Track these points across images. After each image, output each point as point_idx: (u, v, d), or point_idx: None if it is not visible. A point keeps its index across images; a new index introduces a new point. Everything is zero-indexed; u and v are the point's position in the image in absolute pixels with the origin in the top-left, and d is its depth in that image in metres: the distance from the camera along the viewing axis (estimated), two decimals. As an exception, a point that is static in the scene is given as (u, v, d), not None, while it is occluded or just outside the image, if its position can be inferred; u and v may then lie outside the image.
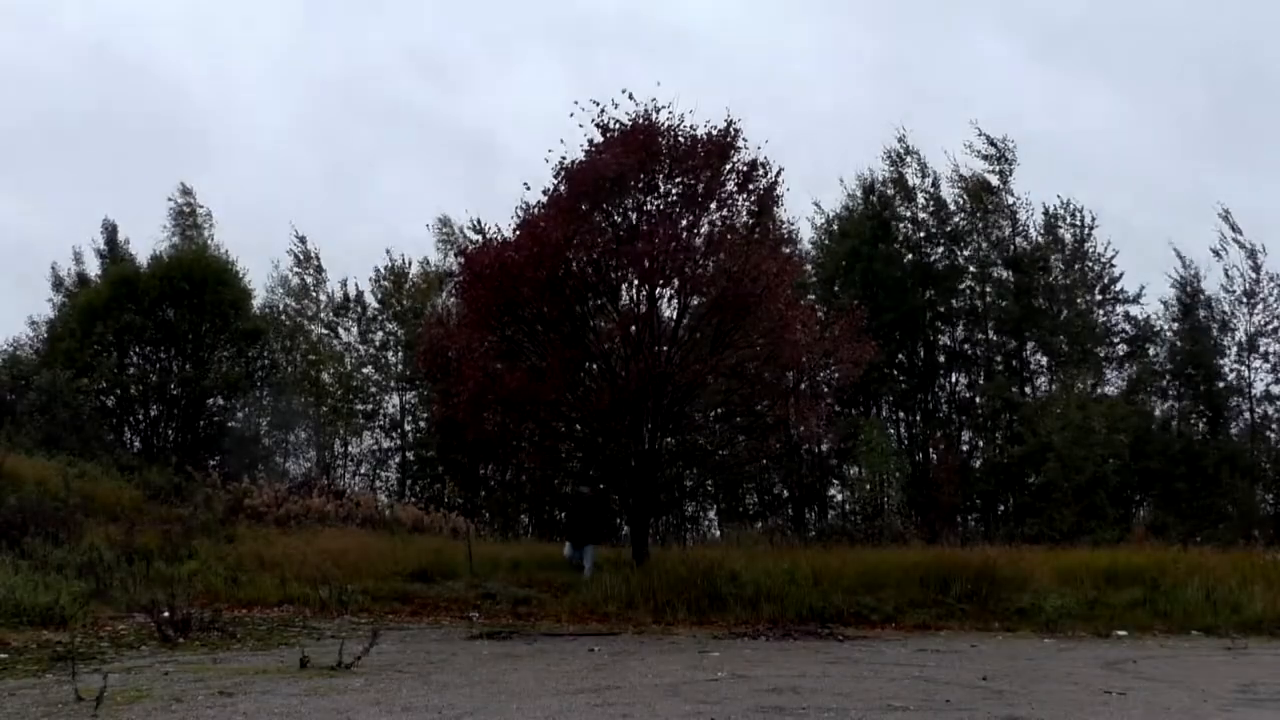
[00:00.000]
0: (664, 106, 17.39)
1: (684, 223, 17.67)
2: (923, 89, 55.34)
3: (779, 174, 17.93)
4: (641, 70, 65.51)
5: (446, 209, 53.40)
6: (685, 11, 67.81)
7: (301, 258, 33.23)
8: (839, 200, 32.60)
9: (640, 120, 17.27)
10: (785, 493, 29.87)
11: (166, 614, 11.49)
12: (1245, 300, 29.03)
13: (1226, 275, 29.35)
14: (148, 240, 48.68)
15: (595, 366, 18.22)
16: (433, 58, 67.23)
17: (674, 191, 17.73)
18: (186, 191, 33.35)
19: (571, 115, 17.62)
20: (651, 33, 67.94)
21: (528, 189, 18.12)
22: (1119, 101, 56.35)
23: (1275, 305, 28.81)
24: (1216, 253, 29.47)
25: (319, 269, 33.29)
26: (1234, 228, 29.29)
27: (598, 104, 17.50)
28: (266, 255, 45.72)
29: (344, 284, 33.09)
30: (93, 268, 32.91)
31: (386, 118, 63.22)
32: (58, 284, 32.96)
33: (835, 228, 31.88)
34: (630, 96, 17.45)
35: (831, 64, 64.80)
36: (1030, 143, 55.17)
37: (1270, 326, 28.74)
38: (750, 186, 17.84)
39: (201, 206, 33.47)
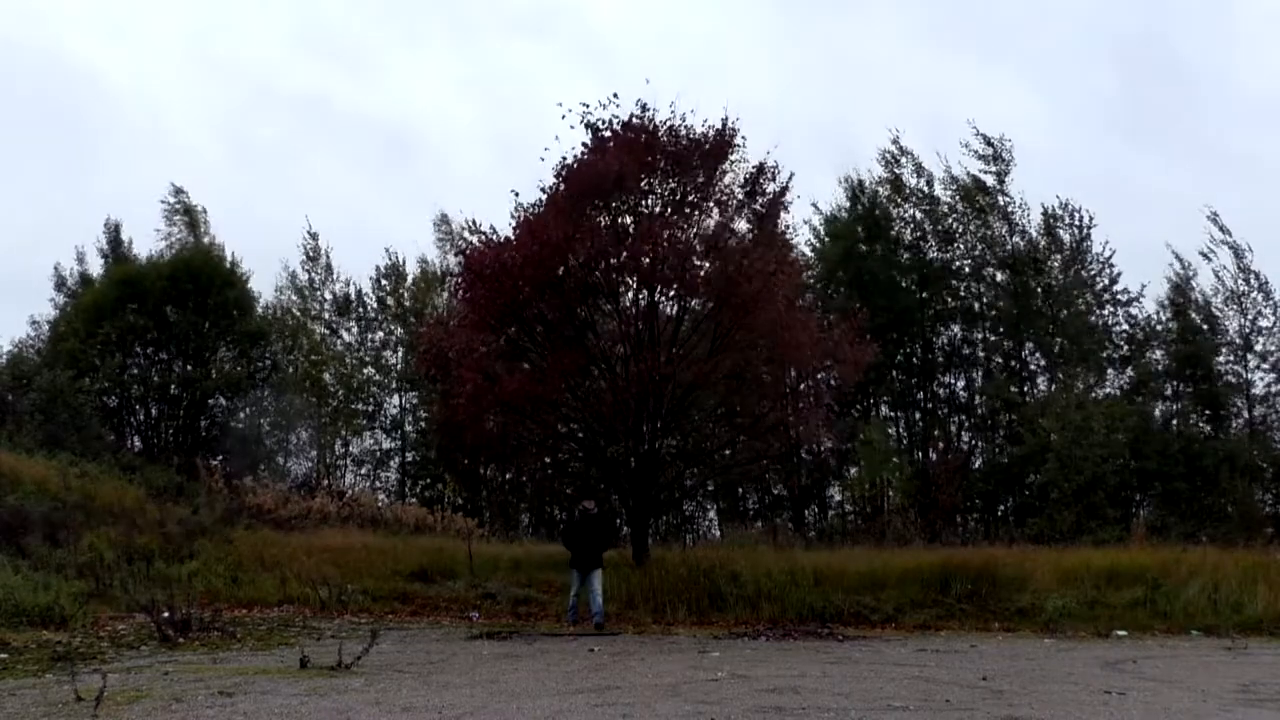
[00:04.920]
0: (671, 105, 17.47)
1: (683, 224, 17.67)
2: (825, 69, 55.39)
3: (790, 179, 17.99)
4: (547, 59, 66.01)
5: (360, 198, 53.18)
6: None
7: (311, 254, 33.22)
8: (832, 201, 32.66)
9: (638, 120, 17.27)
10: (785, 493, 29.86)
11: (166, 614, 11.51)
12: (1236, 301, 29.00)
13: (1217, 276, 29.39)
14: (146, 239, 48.31)
15: (597, 368, 18.21)
16: (333, 43, 67.31)
17: (672, 192, 17.73)
18: (179, 191, 33.29)
19: (564, 117, 17.65)
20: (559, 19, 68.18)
21: (516, 195, 18.18)
22: (1027, 86, 56.55)
23: (1264, 305, 28.81)
24: (1205, 255, 29.49)
25: (327, 268, 33.30)
26: (1223, 229, 29.26)
27: (595, 104, 17.53)
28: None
29: (348, 283, 33.12)
30: (95, 267, 32.88)
31: (294, 105, 63.09)
32: (60, 283, 32.95)
33: (829, 228, 31.85)
34: (633, 103, 17.50)
35: (729, 51, 65.17)
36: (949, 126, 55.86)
37: (1260, 325, 28.75)
38: (757, 191, 17.84)
39: (196, 205, 33.43)
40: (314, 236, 33.27)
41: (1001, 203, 30.56)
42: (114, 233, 33.21)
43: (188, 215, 32.97)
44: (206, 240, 32.23)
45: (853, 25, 62.77)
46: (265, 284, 33.00)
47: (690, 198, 17.72)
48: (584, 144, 17.55)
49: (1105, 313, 30.39)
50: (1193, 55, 56.83)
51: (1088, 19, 58.50)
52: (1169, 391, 30.13)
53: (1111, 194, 48.19)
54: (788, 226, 19.73)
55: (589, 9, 68.27)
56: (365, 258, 54.23)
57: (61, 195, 53.54)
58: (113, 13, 65.31)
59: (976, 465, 29.61)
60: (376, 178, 59.39)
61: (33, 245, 47.83)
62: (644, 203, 17.70)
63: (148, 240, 42.79)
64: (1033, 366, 30.80)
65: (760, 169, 17.73)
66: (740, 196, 17.88)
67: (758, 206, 17.99)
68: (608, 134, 17.38)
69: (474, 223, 29.27)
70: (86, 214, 55.48)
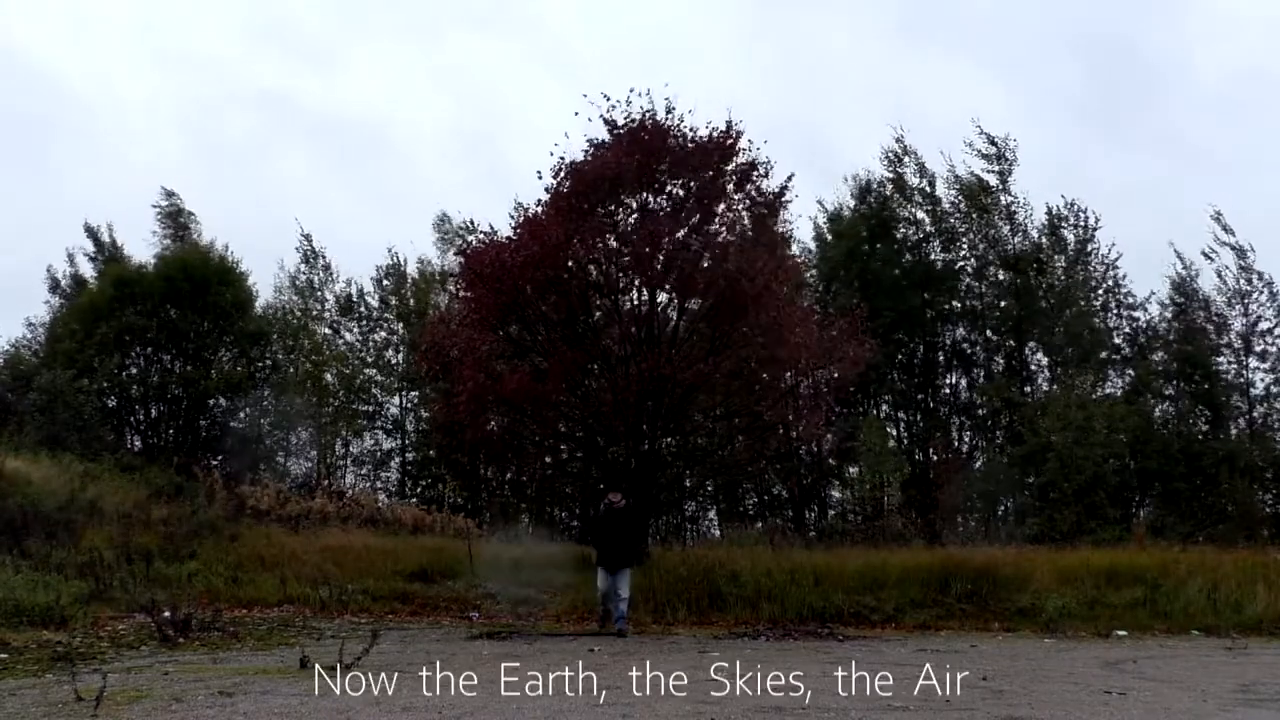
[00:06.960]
0: (672, 109, 17.45)
1: (687, 224, 17.66)
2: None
3: (790, 179, 17.97)
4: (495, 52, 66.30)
5: (326, 194, 53.37)
6: None
7: (309, 255, 33.20)
8: (834, 201, 32.64)
9: (645, 120, 17.26)
10: (785, 493, 29.85)
11: (166, 614, 11.51)
12: (1239, 300, 28.96)
13: (1219, 276, 29.36)
14: (132, 239, 48.20)
15: (597, 367, 18.20)
16: (286, 38, 67.78)
17: (676, 192, 17.73)
18: (170, 194, 33.26)
19: (576, 114, 17.70)
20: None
21: (539, 189, 18.14)
22: (987, 78, 56.79)
23: (1267, 305, 28.76)
24: (1208, 255, 29.47)
25: (326, 268, 33.28)
26: (1226, 229, 29.22)
27: (607, 99, 17.51)
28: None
29: (349, 283, 33.13)
30: (86, 269, 32.83)
31: (256, 102, 63.12)
32: (54, 286, 32.91)
33: (831, 228, 31.84)
34: (624, 101, 17.49)
35: (698, 45, 65.89)
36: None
37: (1262, 326, 28.71)
38: (748, 186, 17.80)
39: (187, 209, 33.42)
40: (308, 238, 33.32)
41: (1004, 202, 30.56)
42: (94, 236, 33.16)
43: (180, 218, 33.01)
44: (199, 237, 32.25)
45: (816, 20, 63.10)
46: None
47: (693, 199, 17.71)
48: (590, 141, 17.57)
49: (1109, 313, 30.39)
50: (1152, 50, 57.30)
51: (1052, 14, 58.76)
52: (1169, 391, 30.11)
53: (1077, 187, 48.42)
54: (788, 225, 19.76)
55: (547, 4, 68.57)
56: (336, 254, 54.47)
57: (31, 197, 53.74)
58: (68, 8, 65.44)
59: (977, 465, 29.60)
60: (339, 174, 59.83)
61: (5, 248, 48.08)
62: (647, 203, 17.70)
63: (140, 244, 42.85)
64: (1033, 366, 30.80)
65: (751, 165, 17.69)
66: (733, 193, 17.86)
67: (751, 204, 17.95)
68: (612, 134, 17.38)
69: (473, 222, 29.38)
70: (60, 217, 55.81)
